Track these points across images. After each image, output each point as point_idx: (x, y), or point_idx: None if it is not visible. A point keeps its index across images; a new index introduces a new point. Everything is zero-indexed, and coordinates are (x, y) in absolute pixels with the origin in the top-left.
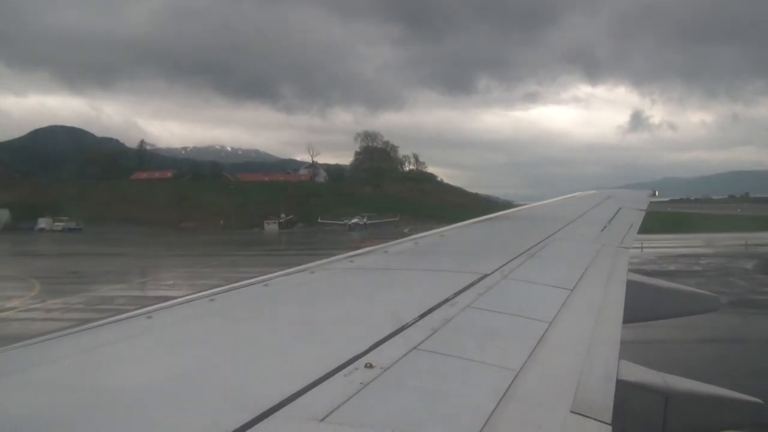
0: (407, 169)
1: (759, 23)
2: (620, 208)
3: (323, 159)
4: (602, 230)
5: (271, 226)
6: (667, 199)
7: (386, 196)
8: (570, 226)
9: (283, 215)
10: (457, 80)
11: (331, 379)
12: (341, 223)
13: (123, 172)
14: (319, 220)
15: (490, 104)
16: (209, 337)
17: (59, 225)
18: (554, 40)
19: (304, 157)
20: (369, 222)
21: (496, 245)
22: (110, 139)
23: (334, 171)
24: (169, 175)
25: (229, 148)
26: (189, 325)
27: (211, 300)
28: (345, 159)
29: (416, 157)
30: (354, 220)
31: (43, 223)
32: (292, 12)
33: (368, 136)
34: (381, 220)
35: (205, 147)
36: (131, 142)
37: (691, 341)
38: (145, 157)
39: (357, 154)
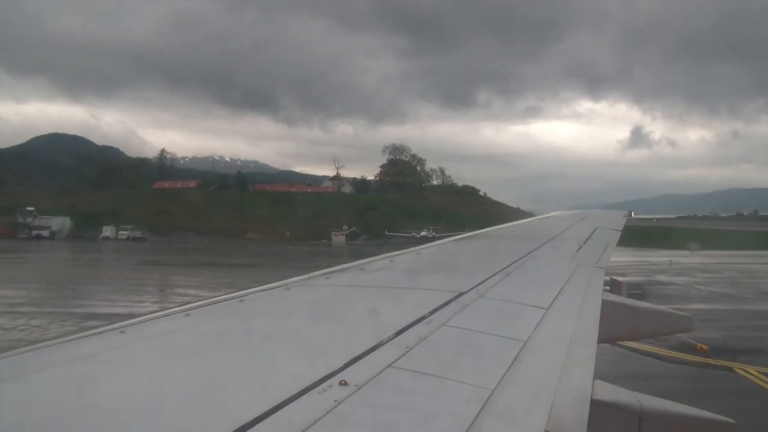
0: (434, 182)
1: (762, 41)
2: (596, 228)
3: (323, 171)
4: (578, 250)
5: (338, 238)
6: (673, 216)
7: (433, 209)
8: (547, 246)
9: (345, 227)
10: (458, 94)
11: (305, 396)
12: (409, 235)
13: (144, 181)
14: (386, 233)
15: (491, 118)
16: (183, 353)
17: (124, 234)
18: (557, 56)
19: (303, 168)
20: (437, 235)
21: (472, 264)
22: (110, 148)
23: (359, 184)
24: (192, 185)
25: (227, 159)
26: (163, 340)
27: (186, 315)
28: (347, 171)
29: (442, 171)
30: (423, 233)
31: (108, 231)
32: (295, 23)
33: (396, 149)
34: (449, 233)
35: (204, 157)
36: (131, 151)
37: None
38: (165, 166)
39: (383, 167)
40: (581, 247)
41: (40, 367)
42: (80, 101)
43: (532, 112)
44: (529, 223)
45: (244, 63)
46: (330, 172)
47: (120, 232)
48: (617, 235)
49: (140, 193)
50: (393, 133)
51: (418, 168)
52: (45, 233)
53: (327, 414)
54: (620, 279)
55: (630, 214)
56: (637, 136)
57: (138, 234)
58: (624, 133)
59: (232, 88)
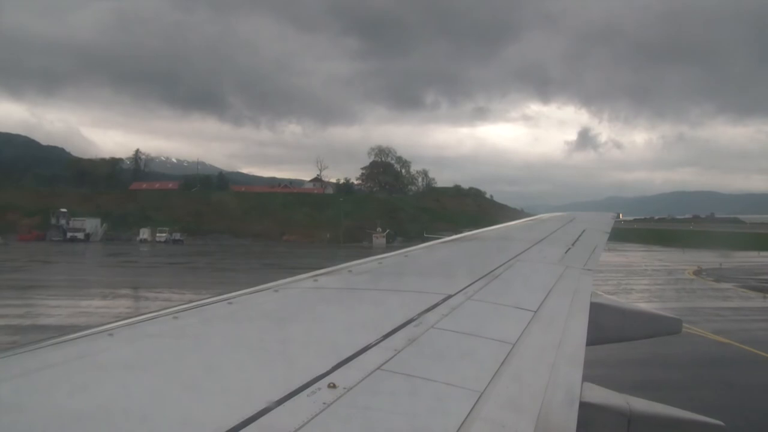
0: (420, 185)
1: (710, 48)
2: (584, 231)
3: (270, 173)
4: (566, 252)
5: (379, 240)
6: (631, 218)
7: (449, 211)
8: (534, 248)
9: (379, 229)
10: (408, 95)
11: (293, 399)
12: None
13: (119, 181)
14: (425, 235)
15: (439, 120)
16: (171, 355)
17: (162, 236)
18: (508, 58)
19: (250, 169)
20: None
21: (460, 266)
22: (56, 148)
23: (342, 186)
24: (171, 185)
25: (174, 160)
26: (151, 343)
27: (174, 318)
28: (299, 173)
29: (426, 173)
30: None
31: (145, 233)
32: (245, 23)
33: (382, 151)
34: None
35: (150, 158)
36: (76, 151)
37: None
38: (140, 167)
39: (365, 169)
40: (569, 249)
41: (27, 369)
42: (21, 100)
43: (480, 114)
44: (517, 225)
45: (192, 62)
46: (276, 173)
47: (158, 235)
48: (605, 237)
49: (163, 194)
50: (342, 134)
51: (403, 171)
52: (80, 235)
53: (316, 417)
54: None
55: (619, 216)
56: (585, 138)
57: (177, 236)
58: (572, 136)
59: (178, 88)
